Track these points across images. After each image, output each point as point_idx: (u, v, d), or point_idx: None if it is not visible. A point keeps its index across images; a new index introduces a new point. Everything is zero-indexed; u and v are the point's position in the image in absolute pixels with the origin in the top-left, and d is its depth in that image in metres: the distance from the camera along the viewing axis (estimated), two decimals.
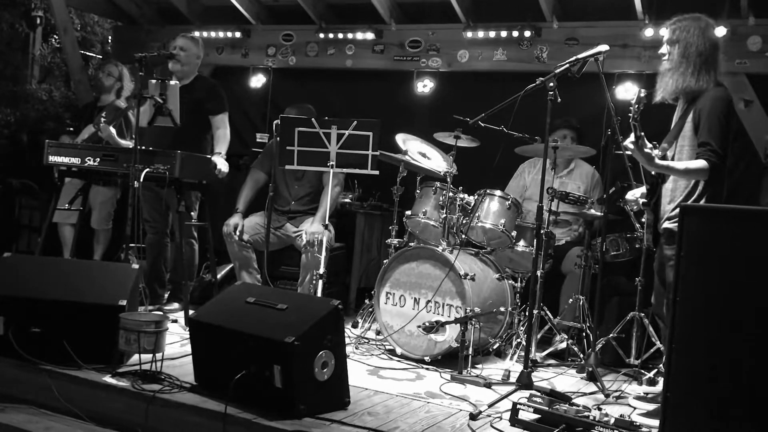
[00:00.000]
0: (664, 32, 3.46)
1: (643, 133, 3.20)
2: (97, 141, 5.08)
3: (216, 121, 4.89)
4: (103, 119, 4.73)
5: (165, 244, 5.06)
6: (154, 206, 4.93)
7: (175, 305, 4.91)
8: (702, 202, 3.29)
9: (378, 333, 4.55)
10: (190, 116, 4.66)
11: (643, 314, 4.07)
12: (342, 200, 5.74)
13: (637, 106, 3.18)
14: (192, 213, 4.88)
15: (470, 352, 3.92)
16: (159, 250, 5.02)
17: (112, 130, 4.72)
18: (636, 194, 3.65)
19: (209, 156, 4.70)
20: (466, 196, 4.49)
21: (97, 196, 5.71)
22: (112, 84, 5.73)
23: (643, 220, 3.65)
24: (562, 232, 4.91)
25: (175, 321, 4.44)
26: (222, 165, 4.68)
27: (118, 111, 5.13)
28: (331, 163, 4.17)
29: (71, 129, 5.93)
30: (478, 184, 4.56)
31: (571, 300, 4.49)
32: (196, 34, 6.00)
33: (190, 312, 3.97)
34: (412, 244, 4.55)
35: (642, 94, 3.20)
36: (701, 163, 3.21)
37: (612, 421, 2.87)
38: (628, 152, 3.28)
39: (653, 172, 3.43)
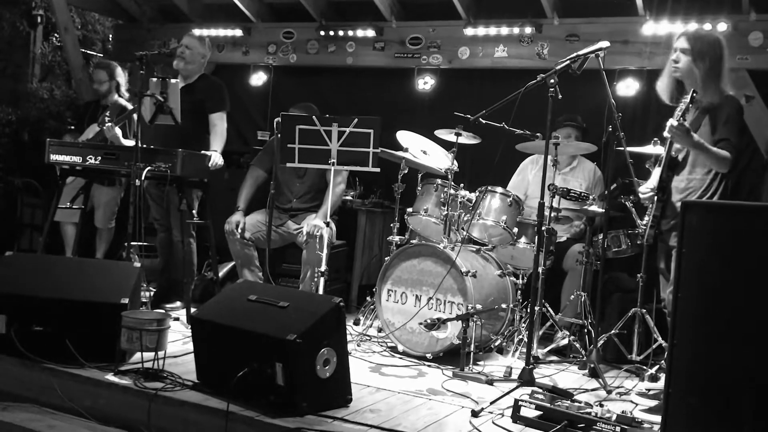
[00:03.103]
0: (680, 42, 3.59)
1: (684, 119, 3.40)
2: (103, 140, 5.08)
3: (213, 119, 4.87)
4: (107, 119, 4.72)
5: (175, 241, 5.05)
6: (162, 204, 4.93)
7: (177, 303, 4.91)
8: (716, 197, 3.45)
9: (380, 330, 4.55)
10: (192, 115, 4.65)
11: (644, 310, 4.08)
12: (344, 197, 5.73)
13: (690, 104, 3.39)
14: (192, 211, 4.87)
15: (472, 349, 3.92)
16: (171, 248, 5.02)
17: (118, 132, 4.71)
18: (648, 189, 3.66)
19: (206, 153, 4.69)
20: (467, 193, 4.49)
21: (101, 196, 5.71)
22: (106, 88, 5.70)
23: (647, 216, 3.65)
24: (563, 228, 4.91)
25: (176, 319, 4.44)
26: (217, 158, 4.68)
27: (125, 111, 5.10)
28: (332, 160, 4.17)
29: (72, 127, 5.93)
30: (480, 181, 4.56)
31: (572, 296, 4.48)
32: (196, 32, 6.00)
33: (192, 310, 3.98)
34: (413, 241, 4.55)
35: (696, 95, 3.41)
36: (725, 152, 3.40)
37: (614, 417, 2.88)
38: (670, 131, 3.40)
39: (678, 155, 3.58)
